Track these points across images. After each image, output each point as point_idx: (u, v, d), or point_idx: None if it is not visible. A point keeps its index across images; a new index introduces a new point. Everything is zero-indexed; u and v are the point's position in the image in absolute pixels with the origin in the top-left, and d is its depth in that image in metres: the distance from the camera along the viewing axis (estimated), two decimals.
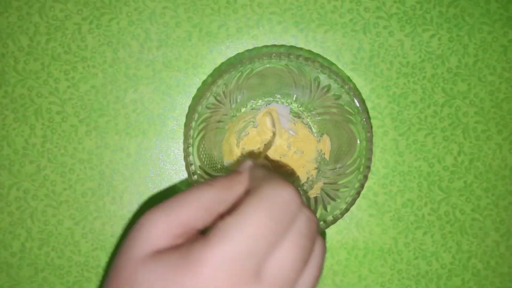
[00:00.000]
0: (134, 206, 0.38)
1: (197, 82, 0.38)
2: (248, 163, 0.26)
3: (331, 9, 0.38)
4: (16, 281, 0.38)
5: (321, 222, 0.33)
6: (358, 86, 0.38)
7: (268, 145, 0.37)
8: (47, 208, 0.38)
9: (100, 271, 0.38)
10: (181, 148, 0.38)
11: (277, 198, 0.22)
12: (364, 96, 0.38)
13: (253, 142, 0.38)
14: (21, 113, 0.38)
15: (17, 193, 0.38)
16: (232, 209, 0.22)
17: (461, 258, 0.39)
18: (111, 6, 0.38)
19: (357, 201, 0.39)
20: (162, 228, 0.21)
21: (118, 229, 0.38)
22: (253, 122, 0.38)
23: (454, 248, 0.39)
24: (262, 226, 0.20)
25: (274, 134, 0.37)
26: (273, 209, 0.21)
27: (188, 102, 0.38)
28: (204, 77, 0.38)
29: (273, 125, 0.37)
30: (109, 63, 0.38)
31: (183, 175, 0.39)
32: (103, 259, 0.38)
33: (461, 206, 0.39)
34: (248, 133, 0.38)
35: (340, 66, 0.38)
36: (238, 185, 0.24)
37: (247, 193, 0.23)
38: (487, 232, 0.39)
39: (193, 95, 0.38)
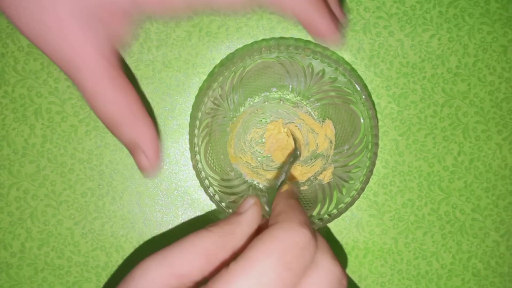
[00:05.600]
0: (134, 206, 0.38)
1: (197, 82, 0.38)
2: (249, 201, 0.24)
3: None
4: (16, 281, 0.38)
5: (341, 205, 0.33)
6: None
7: (293, 160, 0.35)
8: (47, 208, 0.38)
9: (100, 271, 0.38)
10: (181, 149, 0.38)
11: (288, 241, 0.19)
12: None
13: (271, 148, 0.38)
14: (20, 113, 0.38)
15: (17, 193, 0.38)
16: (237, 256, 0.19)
17: (461, 258, 0.39)
18: None
19: (357, 202, 0.39)
20: (155, 279, 0.19)
21: (118, 229, 0.38)
22: (260, 121, 0.38)
23: (454, 248, 0.39)
24: (271, 272, 0.18)
25: (299, 148, 0.36)
26: (283, 253, 0.18)
27: (188, 102, 0.38)
28: (204, 77, 0.38)
29: (296, 140, 0.37)
30: None
31: (183, 175, 0.38)
32: (103, 259, 0.38)
33: (461, 206, 0.39)
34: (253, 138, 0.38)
35: None
36: (240, 228, 0.22)
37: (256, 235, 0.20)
38: (487, 232, 0.39)
39: (193, 95, 0.38)
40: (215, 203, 0.33)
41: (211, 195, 0.32)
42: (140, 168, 0.27)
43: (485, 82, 0.38)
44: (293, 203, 0.23)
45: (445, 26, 0.38)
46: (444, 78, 0.38)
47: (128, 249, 0.38)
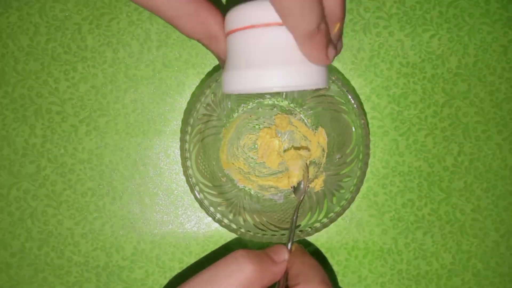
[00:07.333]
0: (134, 206, 0.38)
1: (197, 82, 0.38)
2: (284, 255, 0.27)
3: None
4: (16, 281, 0.38)
5: (330, 214, 0.33)
6: (358, 86, 0.38)
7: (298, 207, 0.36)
8: (47, 208, 0.38)
9: (100, 271, 0.38)
10: None
11: None
12: (364, 96, 0.38)
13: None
14: (21, 113, 0.38)
15: (17, 193, 0.38)
16: None
17: (461, 258, 0.39)
18: (111, 6, 0.38)
19: (357, 202, 0.39)
20: None
21: (118, 229, 0.38)
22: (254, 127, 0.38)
23: (454, 248, 0.39)
24: None
25: (304, 179, 0.36)
26: None
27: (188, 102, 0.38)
28: (204, 77, 0.38)
29: (303, 174, 0.36)
30: (109, 63, 0.38)
31: (183, 175, 0.38)
32: (103, 259, 0.38)
33: (461, 206, 0.39)
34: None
35: (340, 66, 0.38)
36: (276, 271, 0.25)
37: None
38: (487, 232, 0.39)
39: (193, 96, 0.38)
40: (204, 209, 0.33)
41: (201, 200, 0.33)
42: None
43: (485, 82, 0.38)
44: (307, 260, 0.27)
45: (445, 26, 0.38)
46: (444, 78, 0.38)
47: (128, 249, 0.38)
